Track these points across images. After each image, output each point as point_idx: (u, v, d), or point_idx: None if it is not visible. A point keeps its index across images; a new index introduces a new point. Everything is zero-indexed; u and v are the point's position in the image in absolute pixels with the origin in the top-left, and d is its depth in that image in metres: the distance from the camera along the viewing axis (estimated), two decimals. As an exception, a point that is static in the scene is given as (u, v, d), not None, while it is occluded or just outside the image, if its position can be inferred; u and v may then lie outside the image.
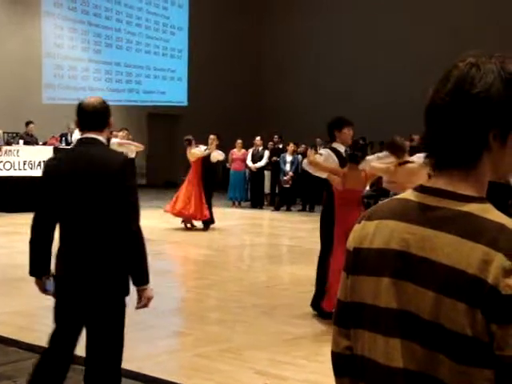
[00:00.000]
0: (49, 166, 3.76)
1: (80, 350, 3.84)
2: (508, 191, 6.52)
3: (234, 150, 19.15)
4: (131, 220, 3.59)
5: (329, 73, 25.11)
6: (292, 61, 25.97)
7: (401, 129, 18.30)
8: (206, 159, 13.69)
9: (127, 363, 5.47)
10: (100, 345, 3.69)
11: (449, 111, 1.41)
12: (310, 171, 7.24)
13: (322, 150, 7.40)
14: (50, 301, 3.86)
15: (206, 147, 14.08)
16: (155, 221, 13.67)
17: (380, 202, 1.58)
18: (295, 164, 18.25)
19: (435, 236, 1.39)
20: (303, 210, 18.22)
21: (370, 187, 13.79)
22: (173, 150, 24.37)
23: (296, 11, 25.94)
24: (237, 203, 19.05)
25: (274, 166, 18.89)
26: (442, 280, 1.35)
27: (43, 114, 18.45)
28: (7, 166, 15.59)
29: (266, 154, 18.89)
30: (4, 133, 16.33)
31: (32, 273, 3.82)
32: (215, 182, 14.65)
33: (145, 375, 5.27)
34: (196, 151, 13.69)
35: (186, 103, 24.96)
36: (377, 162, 7.29)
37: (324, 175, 7.04)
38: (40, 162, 15.43)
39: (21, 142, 16.16)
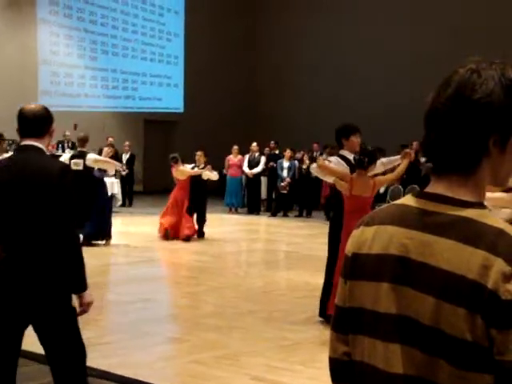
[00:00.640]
0: None
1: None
2: None
3: (231, 156, 19.16)
4: (68, 228, 3.56)
5: (325, 79, 25.12)
6: (288, 67, 25.99)
7: (400, 135, 18.40)
8: (193, 177, 13.11)
9: (123, 370, 5.47)
10: (59, 350, 3.65)
11: (449, 116, 1.42)
12: (319, 175, 7.35)
13: (332, 158, 7.43)
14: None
15: (192, 165, 13.62)
16: (151, 227, 13.65)
17: (378, 208, 1.58)
18: (292, 170, 18.27)
19: (435, 241, 1.39)
20: (300, 215, 18.22)
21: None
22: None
23: (292, 17, 25.97)
24: (233, 209, 19.04)
25: (271, 172, 18.90)
26: (442, 285, 1.35)
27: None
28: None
29: (263, 159, 18.90)
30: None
31: None
32: (207, 194, 13.86)
33: (141, 382, 5.25)
34: (186, 169, 13.14)
35: (182, 109, 24.96)
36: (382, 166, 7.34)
37: (331, 180, 7.08)
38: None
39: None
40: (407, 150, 7.64)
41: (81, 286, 3.67)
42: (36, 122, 3.71)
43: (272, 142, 20.03)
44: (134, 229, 12.70)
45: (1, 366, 3.66)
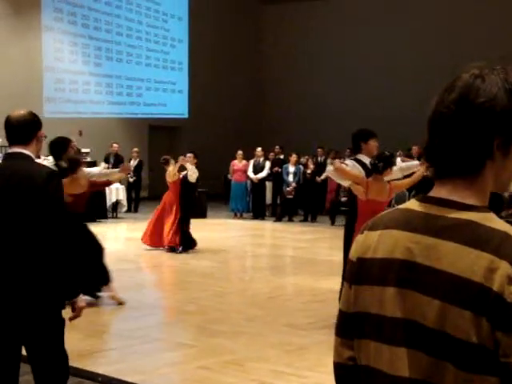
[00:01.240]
0: None
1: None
2: (500, 202, 6.52)
3: (235, 161, 19.16)
4: (56, 234, 3.51)
5: (329, 84, 25.15)
6: (292, 72, 26.01)
7: (404, 139, 18.39)
8: (185, 182, 12.57)
9: (130, 375, 5.48)
10: (43, 363, 3.62)
11: (453, 120, 1.44)
12: (334, 178, 7.38)
13: (348, 161, 7.43)
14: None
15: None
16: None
17: (381, 213, 1.59)
18: (298, 175, 18.26)
19: (440, 245, 1.40)
20: (305, 220, 18.20)
21: None
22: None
23: (296, 22, 26.00)
24: (238, 214, 19.04)
25: (276, 177, 18.90)
26: (448, 288, 1.36)
27: (44, 128, 18.35)
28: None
29: (267, 164, 18.90)
30: (2, 147, 16.29)
31: None
32: (194, 204, 13.32)
33: (148, 388, 5.26)
34: (170, 168, 12.54)
35: (186, 115, 25.00)
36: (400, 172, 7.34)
37: (347, 183, 7.09)
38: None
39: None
40: None
41: (73, 292, 3.64)
42: (21, 129, 3.67)
43: (277, 146, 20.06)
44: (139, 234, 12.69)
45: (1, 379, 3.63)
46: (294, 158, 18.41)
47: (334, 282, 8.68)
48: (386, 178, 6.89)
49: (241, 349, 6.29)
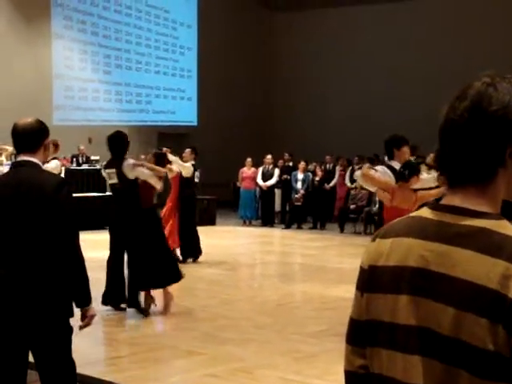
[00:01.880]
0: None
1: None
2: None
3: (244, 168, 19.17)
4: (68, 242, 3.51)
5: (338, 91, 25.16)
6: (301, 80, 26.03)
7: (417, 145, 18.33)
8: (185, 180, 12.21)
9: (139, 383, 5.47)
10: (50, 371, 3.61)
11: (466, 128, 1.44)
12: (361, 183, 7.40)
13: (378, 167, 7.42)
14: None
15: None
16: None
17: (393, 221, 1.58)
18: (306, 182, 18.26)
19: (454, 252, 1.39)
20: (314, 227, 18.19)
21: None
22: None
23: (306, 31, 26.04)
24: (247, 222, 19.04)
25: (285, 184, 18.89)
26: (463, 296, 1.35)
27: (54, 136, 18.32)
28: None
29: (276, 172, 18.90)
30: (12, 154, 16.39)
31: None
32: (193, 203, 12.68)
33: (157, 395, 5.25)
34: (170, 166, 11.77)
35: (195, 123, 25.05)
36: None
37: (373, 189, 7.11)
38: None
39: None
40: None
41: (85, 300, 3.63)
42: (28, 137, 3.66)
43: (286, 154, 20.06)
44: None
45: None
46: (302, 165, 18.42)
47: (344, 290, 8.67)
48: (416, 186, 6.82)
49: (250, 356, 6.27)
